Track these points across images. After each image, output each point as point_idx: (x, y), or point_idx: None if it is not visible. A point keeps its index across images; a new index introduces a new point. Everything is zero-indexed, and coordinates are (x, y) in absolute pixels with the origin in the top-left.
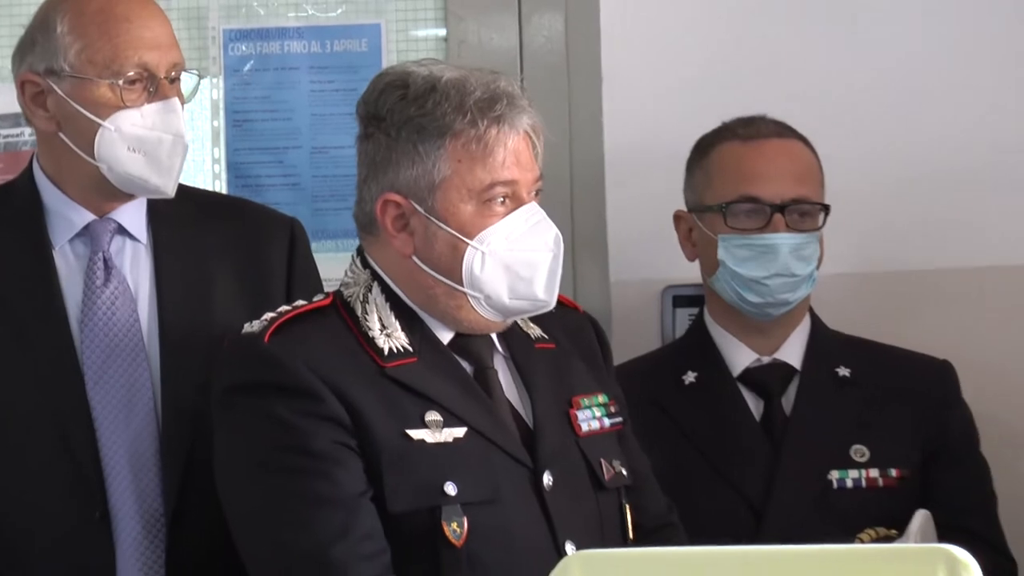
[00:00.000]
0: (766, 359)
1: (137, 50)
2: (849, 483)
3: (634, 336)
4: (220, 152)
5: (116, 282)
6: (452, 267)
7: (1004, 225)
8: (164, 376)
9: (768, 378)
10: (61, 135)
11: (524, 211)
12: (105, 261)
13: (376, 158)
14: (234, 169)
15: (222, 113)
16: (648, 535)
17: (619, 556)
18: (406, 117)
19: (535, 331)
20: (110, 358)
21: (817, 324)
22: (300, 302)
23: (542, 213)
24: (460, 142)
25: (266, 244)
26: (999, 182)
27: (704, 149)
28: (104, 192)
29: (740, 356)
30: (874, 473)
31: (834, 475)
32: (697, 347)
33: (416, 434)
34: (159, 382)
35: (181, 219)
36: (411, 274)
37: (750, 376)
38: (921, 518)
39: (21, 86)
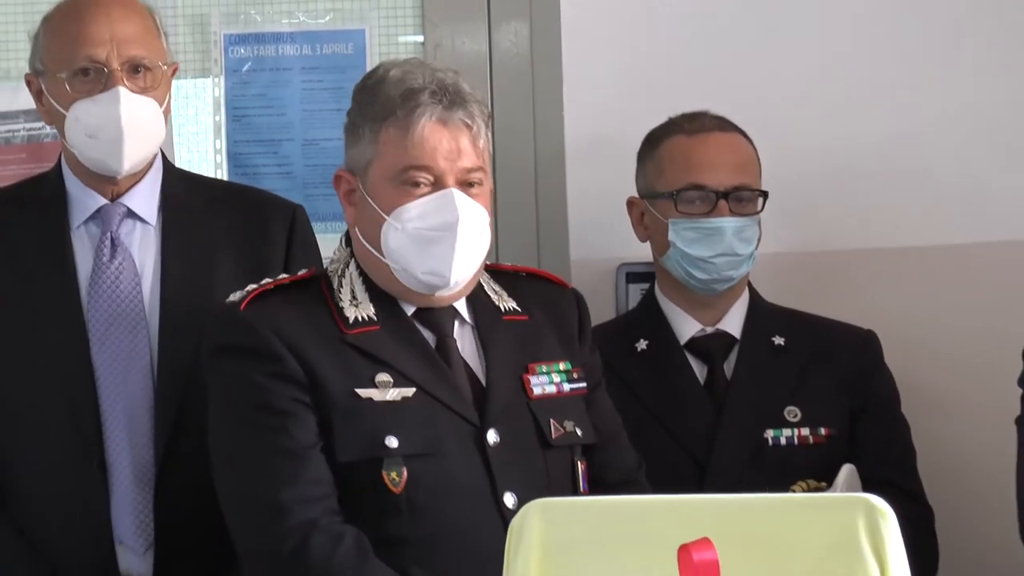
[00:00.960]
0: (710, 329)
1: (86, 45)
2: (783, 440)
3: (592, 308)
4: (221, 144)
5: (121, 258)
6: (375, 238)
7: (919, 210)
8: (162, 344)
9: (711, 346)
10: (57, 126)
11: (437, 195)
12: (112, 240)
13: (346, 141)
14: (234, 159)
15: (223, 109)
16: (609, 489)
17: (575, 503)
18: (359, 104)
19: (508, 304)
20: (112, 325)
21: (755, 298)
22: (283, 276)
23: (455, 196)
24: (391, 128)
25: (267, 228)
26: (914, 173)
27: (654, 142)
28: (99, 176)
29: (686, 326)
30: (805, 431)
31: (770, 433)
32: (648, 318)
33: (365, 393)
34: (156, 349)
35: (190, 204)
36: (360, 245)
37: (695, 344)
38: (847, 471)
39: (27, 84)
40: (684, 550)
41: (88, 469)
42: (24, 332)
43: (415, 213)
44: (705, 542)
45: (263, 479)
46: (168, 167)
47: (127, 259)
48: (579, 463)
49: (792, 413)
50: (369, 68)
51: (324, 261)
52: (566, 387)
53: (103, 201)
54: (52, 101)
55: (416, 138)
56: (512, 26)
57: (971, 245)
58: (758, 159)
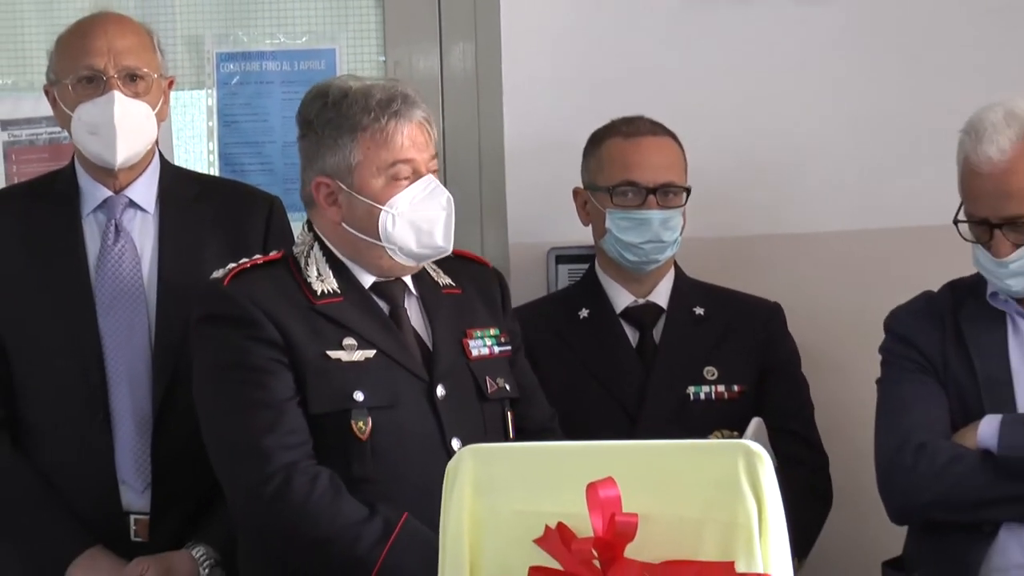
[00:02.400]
0: (641, 300)
1: (88, 56)
2: (702, 396)
3: (528, 284)
4: (214, 145)
5: (124, 242)
6: (371, 228)
7: (821, 200)
8: (159, 314)
9: (642, 315)
10: (68, 129)
11: (422, 181)
12: (116, 227)
13: (309, 152)
14: (224, 158)
15: (215, 116)
16: (529, 436)
17: (501, 448)
18: (326, 119)
19: (444, 280)
20: (116, 298)
21: (680, 274)
22: (257, 256)
23: (436, 182)
24: (368, 133)
25: (248, 217)
26: (817, 166)
27: (596, 141)
28: (103, 170)
29: (621, 298)
30: (721, 388)
31: (691, 389)
32: (589, 291)
33: (334, 354)
34: (154, 318)
35: (184, 196)
36: (342, 236)
37: (629, 313)
38: (755, 423)
39: (46, 94)
40: (591, 487)
41: (95, 420)
42: (41, 303)
43: (409, 199)
44: (609, 481)
45: (247, 428)
46: (165, 164)
47: (129, 243)
48: (508, 414)
49: (710, 372)
50: None
51: None
52: (496, 349)
53: (108, 193)
54: (62, 105)
55: (397, 138)
56: (460, 46)
57: (862, 231)
58: (684, 159)
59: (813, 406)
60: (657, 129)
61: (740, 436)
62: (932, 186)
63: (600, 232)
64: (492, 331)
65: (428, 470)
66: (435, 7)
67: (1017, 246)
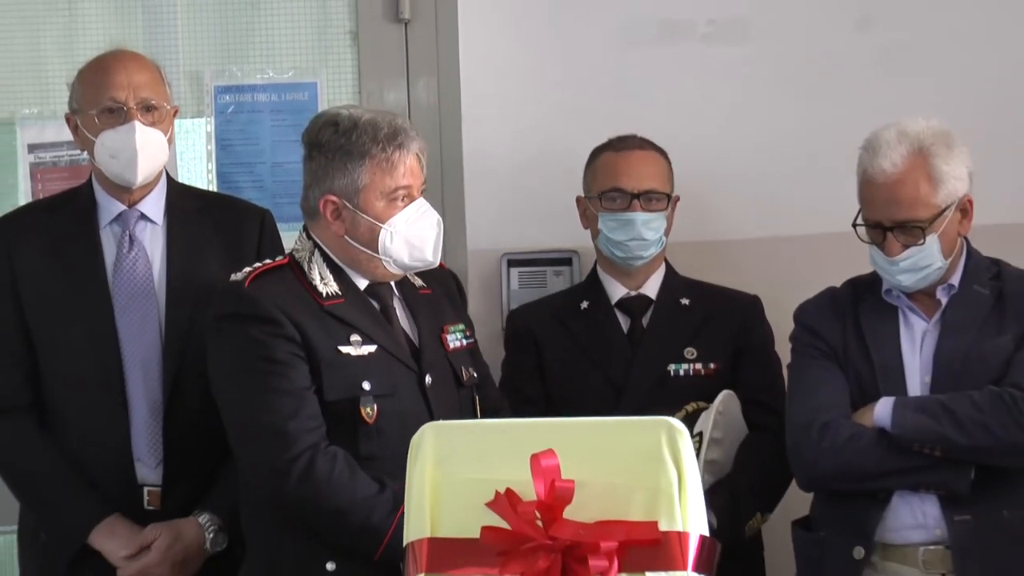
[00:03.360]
0: (633, 293)
1: (110, 90)
2: (682, 372)
3: (483, 284)
4: (212, 166)
5: (137, 250)
6: (371, 242)
7: (793, 205)
8: (168, 312)
9: (634, 305)
10: (88, 153)
11: (416, 204)
12: (130, 236)
13: (318, 172)
14: (221, 177)
15: (213, 140)
16: (483, 415)
17: (458, 424)
18: (337, 146)
19: (418, 282)
20: (131, 299)
21: (670, 270)
22: (268, 260)
23: (427, 205)
24: (375, 161)
25: (243, 227)
26: (724, 180)
27: (593, 156)
28: (119, 188)
29: (616, 290)
30: (699, 366)
31: (671, 367)
32: (590, 286)
33: (344, 349)
34: (164, 316)
35: (187, 210)
36: (342, 246)
37: (622, 303)
38: (723, 394)
39: (67, 122)
40: (535, 458)
41: (113, 405)
42: (65, 303)
43: (405, 219)
44: (550, 452)
45: (271, 414)
46: (171, 182)
47: (141, 250)
48: (476, 397)
49: (690, 352)
50: (319, 110)
51: (285, 250)
52: (464, 342)
53: (123, 207)
54: (85, 132)
55: (400, 167)
56: (424, 80)
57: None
58: (669, 170)
59: (784, 381)
60: (645, 144)
61: (709, 406)
62: (830, 197)
63: (595, 233)
64: (460, 326)
65: None
66: (403, 47)
67: (906, 247)
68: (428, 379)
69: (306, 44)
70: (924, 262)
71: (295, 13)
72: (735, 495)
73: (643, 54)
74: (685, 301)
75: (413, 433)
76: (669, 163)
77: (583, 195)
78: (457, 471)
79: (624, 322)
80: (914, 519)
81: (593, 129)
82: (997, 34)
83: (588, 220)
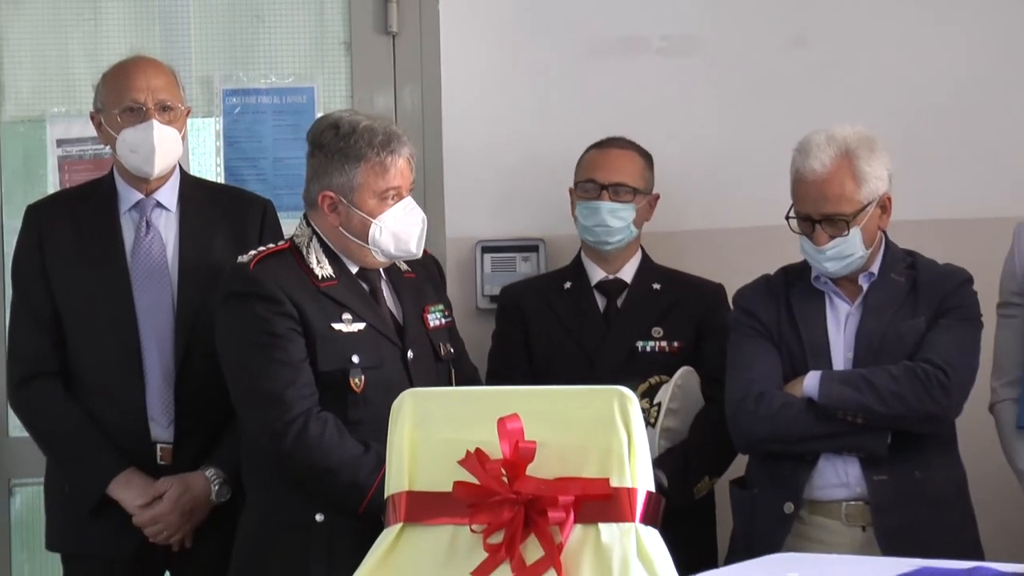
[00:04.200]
0: (611, 276)
1: (131, 92)
2: (648, 349)
3: (460, 268)
4: (221, 160)
5: (153, 234)
6: (363, 234)
7: (736, 200)
8: (180, 290)
9: (611, 287)
10: (110, 148)
11: (404, 203)
12: (147, 222)
13: (318, 168)
14: (229, 170)
15: (222, 138)
16: (461, 385)
17: (434, 391)
18: (337, 147)
19: (404, 267)
20: (147, 278)
21: (645, 257)
22: (270, 245)
23: (414, 203)
24: (370, 164)
25: (248, 215)
26: (730, 175)
27: (582, 155)
28: (137, 178)
29: (596, 274)
30: (664, 344)
31: (639, 344)
32: (574, 268)
33: (337, 326)
34: (176, 293)
35: (198, 199)
36: (337, 235)
37: (601, 285)
38: (682, 370)
39: (91, 119)
40: (501, 421)
41: (130, 372)
42: (89, 282)
43: (394, 216)
44: (515, 416)
45: (271, 382)
46: (184, 174)
47: (157, 235)
48: (453, 370)
49: (657, 332)
50: (317, 113)
51: (285, 236)
52: (443, 321)
53: (140, 196)
54: (108, 128)
55: (392, 170)
56: (409, 88)
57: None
58: (643, 167)
59: None
60: (625, 144)
61: (669, 379)
62: (768, 193)
63: (576, 220)
64: (440, 306)
65: None
66: (391, 57)
67: (832, 238)
68: (410, 354)
69: (305, 53)
70: (848, 251)
71: (295, 25)
72: (687, 459)
73: (604, 66)
74: (656, 286)
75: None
76: (649, 164)
77: (573, 188)
78: (433, 432)
79: (601, 302)
80: (837, 478)
81: (560, 132)
82: (914, 51)
83: (575, 210)
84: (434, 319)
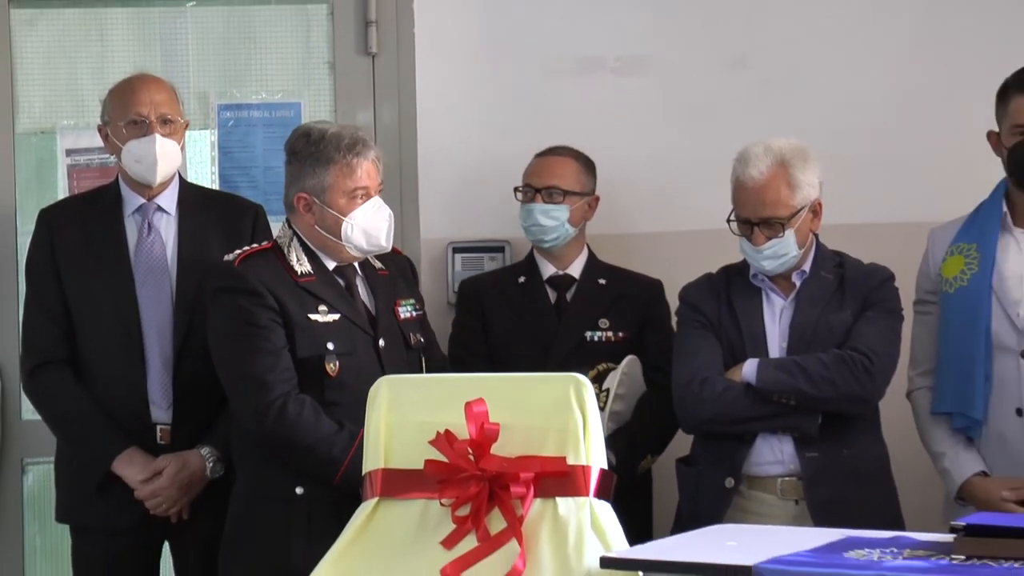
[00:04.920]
0: (561, 272)
1: (134, 105)
2: (596, 338)
3: (433, 268)
4: (216, 168)
5: (154, 235)
6: (336, 231)
7: (683, 206)
8: (178, 286)
9: (561, 282)
10: (115, 157)
11: (373, 202)
12: (149, 224)
13: (294, 173)
14: (223, 177)
15: (216, 148)
16: (431, 372)
17: (408, 377)
18: (308, 153)
19: (378, 264)
20: (149, 275)
21: (591, 255)
22: (254, 245)
23: (381, 202)
24: (338, 166)
25: (240, 219)
26: (678, 183)
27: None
28: (141, 185)
29: (547, 269)
30: (610, 334)
31: (588, 334)
32: (527, 264)
33: (313, 317)
34: (175, 288)
35: (195, 203)
36: (314, 234)
37: (551, 280)
38: (628, 359)
39: (99, 131)
40: (468, 405)
41: (133, 359)
42: (96, 278)
43: (364, 214)
44: (480, 400)
45: (254, 368)
46: (182, 181)
47: (158, 236)
48: (423, 358)
49: (603, 323)
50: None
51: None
52: (414, 314)
53: (143, 201)
54: (114, 139)
55: (358, 171)
56: (388, 103)
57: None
58: (578, 171)
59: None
60: (563, 151)
61: (615, 367)
62: (712, 199)
63: None
64: (411, 300)
65: None
66: (370, 75)
67: (769, 239)
68: (381, 342)
69: (292, 72)
70: (783, 251)
71: (284, 46)
72: (632, 439)
73: (564, 84)
74: (602, 281)
75: (368, 384)
76: (587, 168)
77: None
78: (406, 415)
79: (552, 295)
80: (773, 456)
81: (523, 143)
82: (842, 73)
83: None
84: (405, 311)
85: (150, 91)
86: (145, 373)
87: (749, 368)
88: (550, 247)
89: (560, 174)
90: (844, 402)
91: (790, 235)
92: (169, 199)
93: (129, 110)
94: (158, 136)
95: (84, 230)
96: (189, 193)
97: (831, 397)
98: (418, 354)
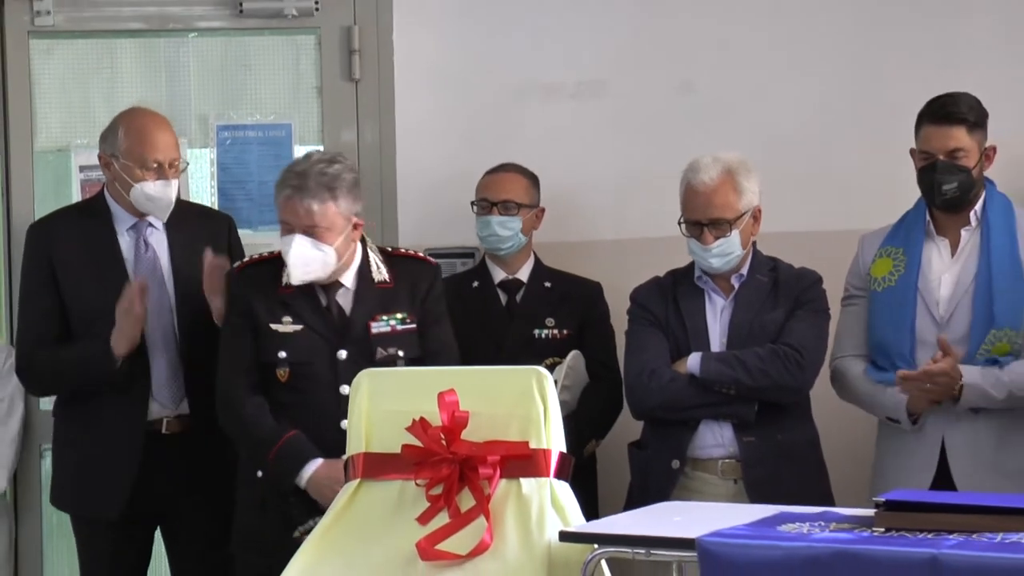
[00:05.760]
0: (510, 277)
1: (152, 153)
2: (543, 336)
3: None
4: (215, 183)
5: (150, 251)
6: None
7: (635, 215)
8: (176, 293)
9: (511, 286)
10: (116, 184)
11: (291, 237)
12: (144, 240)
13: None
14: (221, 191)
15: (215, 164)
16: None
17: (387, 371)
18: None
19: (382, 276)
20: (151, 286)
21: (538, 261)
22: (265, 252)
23: (300, 239)
24: (279, 200)
25: (218, 228)
26: (631, 196)
27: (481, 178)
28: (137, 210)
29: (498, 274)
30: (555, 332)
31: (536, 332)
32: (480, 270)
33: (274, 326)
34: (173, 296)
35: (182, 218)
36: None
37: (502, 284)
38: (572, 353)
39: (99, 158)
40: (440, 395)
41: (139, 364)
42: (97, 291)
43: (283, 245)
44: (452, 391)
45: (223, 365)
46: None
47: (152, 251)
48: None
49: (550, 322)
50: (294, 145)
51: (260, 247)
52: (399, 328)
53: (134, 219)
54: (123, 174)
55: (287, 207)
56: (369, 124)
57: (649, 239)
58: (528, 186)
59: (615, 346)
60: (512, 168)
61: (561, 361)
62: (660, 210)
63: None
64: (399, 315)
65: (323, 402)
66: (354, 99)
67: (716, 239)
68: (343, 353)
69: (284, 96)
70: (729, 250)
71: (276, 73)
72: (578, 426)
73: (529, 106)
74: (547, 284)
75: (323, 391)
76: (534, 183)
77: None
78: (385, 404)
79: (503, 298)
80: (715, 440)
81: (492, 160)
82: (777, 95)
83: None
84: (379, 327)
85: (163, 134)
86: (150, 380)
87: (693, 360)
88: (505, 254)
89: (512, 189)
90: (778, 392)
91: (735, 236)
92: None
93: (147, 156)
94: (174, 182)
95: (80, 242)
96: (177, 208)
97: (767, 387)
98: (387, 366)
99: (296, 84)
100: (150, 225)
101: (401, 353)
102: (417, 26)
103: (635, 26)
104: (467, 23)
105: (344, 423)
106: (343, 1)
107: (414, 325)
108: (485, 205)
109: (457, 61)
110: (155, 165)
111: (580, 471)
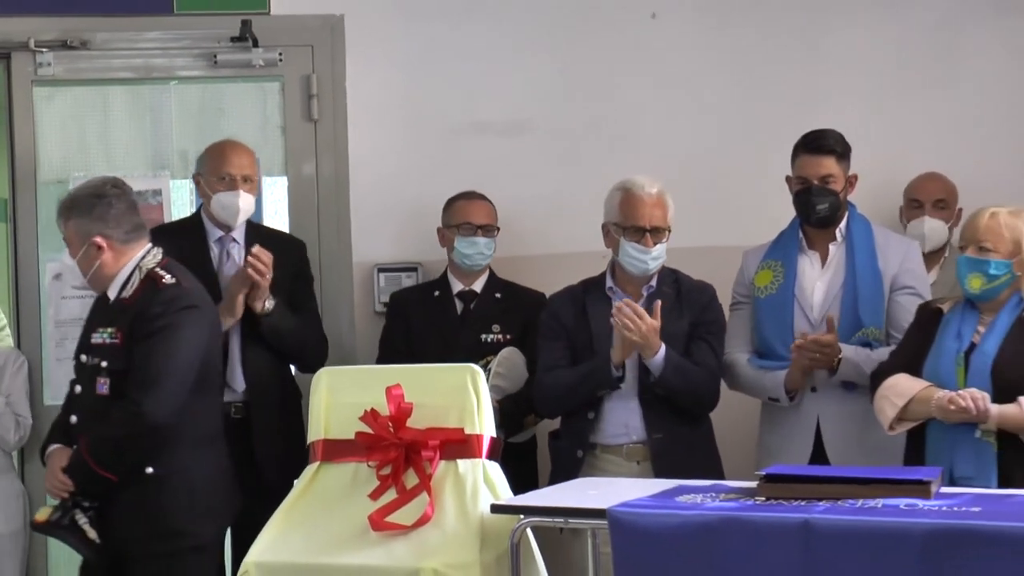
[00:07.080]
0: (467, 288)
1: (225, 167)
2: (490, 339)
3: (363, 285)
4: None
5: (231, 261)
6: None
7: (566, 233)
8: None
9: (467, 296)
10: (204, 199)
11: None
12: (227, 251)
13: None
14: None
15: (194, 194)
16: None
17: (344, 368)
18: None
19: (124, 294)
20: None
21: (492, 274)
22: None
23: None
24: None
25: (290, 251)
26: (557, 216)
27: (450, 203)
28: (222, 224)
29: (457, 286)
30: (500, 336)
31: (483, 336)
32: (440, 282)
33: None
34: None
35: (260, 239)
36: None
37: (460, 294)
38: (507, 348)
39: (193, 178)
40: (388, 389)
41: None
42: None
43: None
44: (398, 386)
45: None
46: (247, 220)
47: (233, 261)
48: (96, 377)
49: (496, 327)
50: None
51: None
52: (106, 341)
53: (221, 233)
54: (205, 188)
55: None
56: (326, 158)
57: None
58: (493, 210)
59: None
60: (481, 196)
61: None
62: (582, 227)
63: (451, 249)
64: (107, 330)
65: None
66: (313, 136)
67: (656, 243)
68: (83, 357)
69: (252, 134)
70: (662, 255)
71: (246, 115)
72: (518, 404)
73: (464, 140)
74: (498, 295)
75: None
76: (493, 206)
77: (442, 227)
78: (343, 397)
79: (459, 306)
80: (621, 429)
81: (433, 188)
82: (676, 129)
83: (446, 241)
84: (97, 338)
85: (238, 155)
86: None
87: (657, 361)
88: (478, 270)
89: (490, 214)
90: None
91: (665, 242)
92: (240, 233)
93: (220, 169)
94: (241, 192)
95: (178, 254)
96: (253, 229)
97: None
98: (90, 372)
99: (263, 124)
100: (233, 240)
101: (104, 364)
102: (367, 74)
103: (554, 72)
104: (410, 71)
105: (73, 418)
106: (303, 53)
107: (117, 340)
108: (469, 228)
109: (402, 103)
110: (227, 177)
111: (521, 456)
